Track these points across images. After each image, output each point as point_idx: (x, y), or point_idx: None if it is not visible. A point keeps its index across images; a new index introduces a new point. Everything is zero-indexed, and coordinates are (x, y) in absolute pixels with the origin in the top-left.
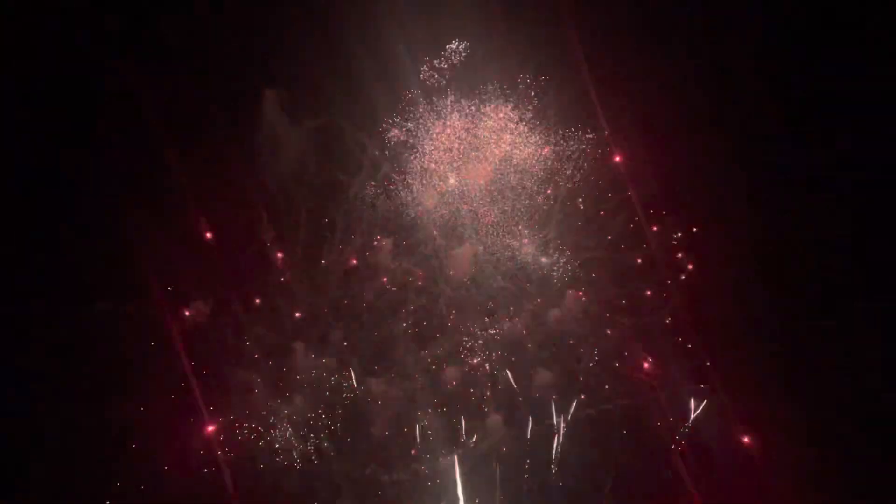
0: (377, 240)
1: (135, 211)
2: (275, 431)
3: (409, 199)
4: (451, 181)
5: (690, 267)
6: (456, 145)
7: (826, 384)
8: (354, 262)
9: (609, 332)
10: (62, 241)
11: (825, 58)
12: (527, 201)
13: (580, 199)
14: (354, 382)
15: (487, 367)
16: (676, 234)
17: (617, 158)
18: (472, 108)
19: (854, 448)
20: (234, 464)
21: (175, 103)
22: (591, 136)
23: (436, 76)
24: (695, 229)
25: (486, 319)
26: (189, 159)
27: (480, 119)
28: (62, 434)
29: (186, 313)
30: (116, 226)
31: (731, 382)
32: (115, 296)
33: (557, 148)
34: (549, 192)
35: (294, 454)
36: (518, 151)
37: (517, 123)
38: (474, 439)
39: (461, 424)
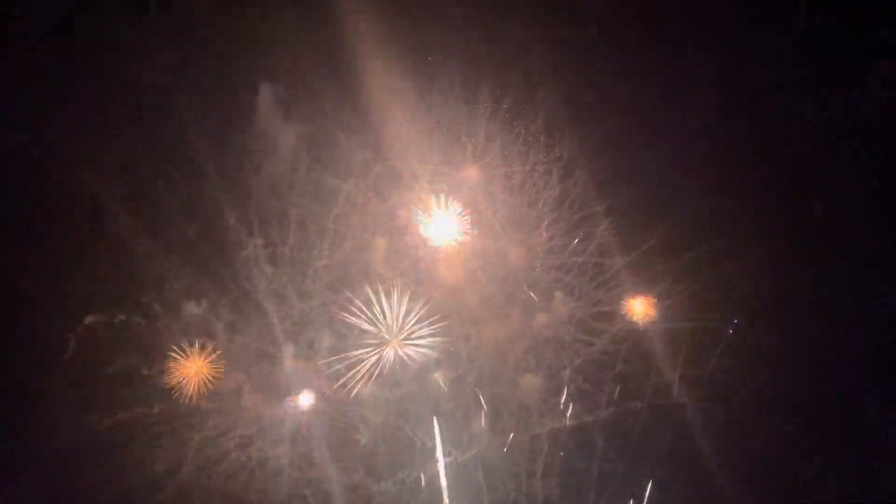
0: (367, 244)
1: (125, 216)
2: (264, 437)
3: (400, 202)
4: (441, 185)
5: (677, 273)
6: (447, 147)
7: (816, 390)
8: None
9: (595, 339)
10: (47, 249)
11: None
12: (515, 204)
13: (567, 204)
14: (344, 388)
15: (475, 374)
16: (663, 239)
17: (605, 163)
18: (465, 108)
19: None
20: (224, 470)
21: (165, 106)
22: (579, 139)
23: (428, 76)
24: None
25: (475, 329)
26: (179, 162)
27: (472, 121)
28: (55, 442)
29: (174, 321)
30: (104, 232)
31: (719, 390)
32: (103, 307)
33: (547, 152)
34: (538, 195)
35: (283, 460)
36: (508, 155)
37: (508, 126)
38: (461, 447)
39: (448, 432)
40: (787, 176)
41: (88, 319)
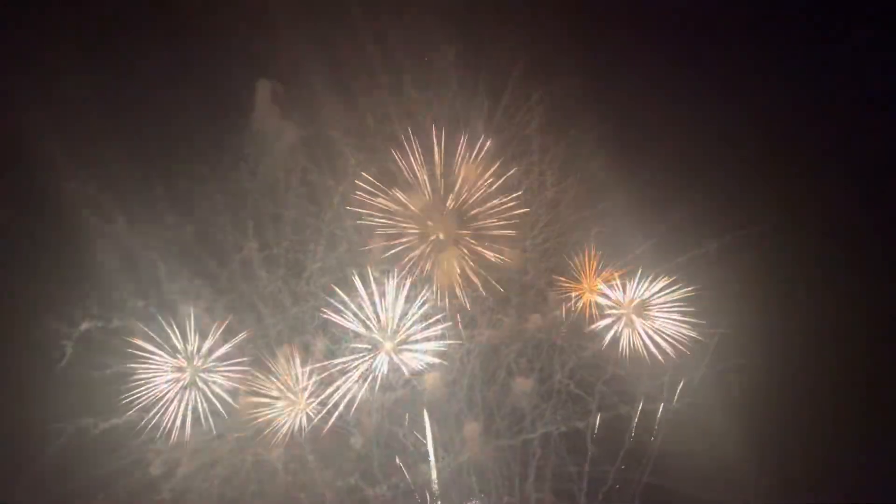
0: (360, 247)
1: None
2: (258, 440)
3: (395, 206)
4: (438, 186)
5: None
6: (443, 147)
7: (808, 395)
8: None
9: (587, 344)
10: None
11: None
12: (511, 204)
13: (562, 207)
14: (337, 392)
15: (467, 378)
16: (656, 242)
17: (599, 165)
18: (460, 108)
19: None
20: (218, 474)
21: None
22: (574, 142)
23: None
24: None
25: (472, 332)
26: (172, 165)
27: (468, 122)
28: (53, 445)
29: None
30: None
31: (706, 396)
32: (97, 313)
33: (542, 154)
34: (534, 196)
35: (277, 463)
36: (504, 155)
37: (504, 128)
38: (453, 451)
39: (440, 436)
40: (782, 178)
41: (84, 326)
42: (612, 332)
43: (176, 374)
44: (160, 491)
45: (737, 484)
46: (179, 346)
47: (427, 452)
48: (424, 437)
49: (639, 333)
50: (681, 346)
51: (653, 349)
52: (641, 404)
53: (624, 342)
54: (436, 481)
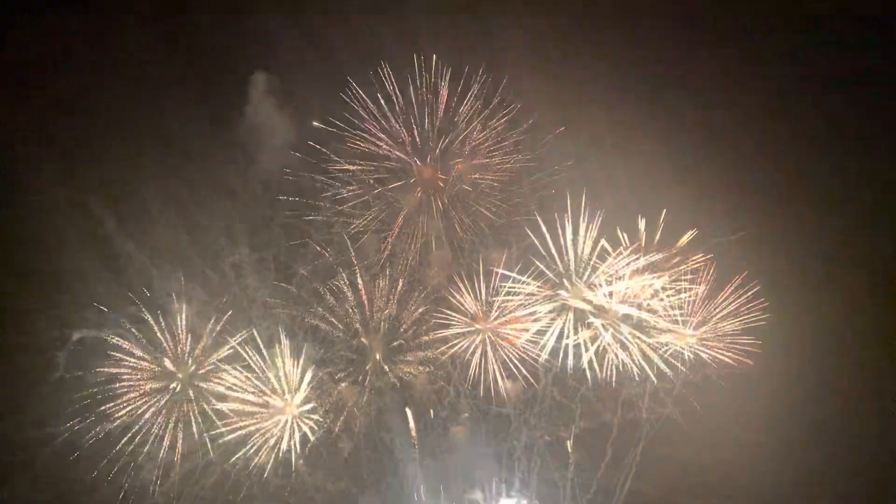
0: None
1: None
2: (249, 444)
3: (387, 207)
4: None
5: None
6: (435, 147)
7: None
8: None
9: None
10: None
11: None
12: (502, 207)
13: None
14: (329, 396)
15: (455, 383)
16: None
17: (588, 167)
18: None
19: None
20: (209, 478)
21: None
22: (562, 143)
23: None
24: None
25: (457, 341)
26: (165, 167)
27: (460, 118)
28: (46, 449)
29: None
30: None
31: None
32: (90, 318)
33: (533, 155)
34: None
35: (268, 467)
36: (500, 153)
37: (495, 127)
38: (440, 456)
39: (427, 440)
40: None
41: (76, 335)
42: (595, 345)
43: (167, 381)
44: (153, 494)
45: (723, 490)
46: (170, 351)
47: (415, 457)
48: (412, 442)
49: (626, 345)
50: (675, 361)
51: (645, 366)
52: (623, 412)
53: (610, 358)
54: (422, 485)
